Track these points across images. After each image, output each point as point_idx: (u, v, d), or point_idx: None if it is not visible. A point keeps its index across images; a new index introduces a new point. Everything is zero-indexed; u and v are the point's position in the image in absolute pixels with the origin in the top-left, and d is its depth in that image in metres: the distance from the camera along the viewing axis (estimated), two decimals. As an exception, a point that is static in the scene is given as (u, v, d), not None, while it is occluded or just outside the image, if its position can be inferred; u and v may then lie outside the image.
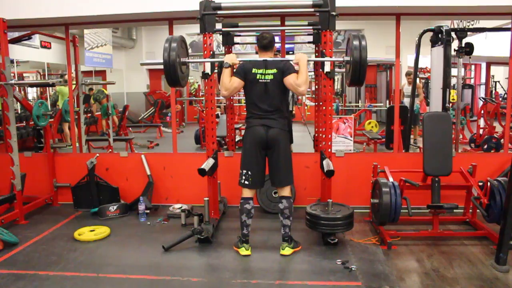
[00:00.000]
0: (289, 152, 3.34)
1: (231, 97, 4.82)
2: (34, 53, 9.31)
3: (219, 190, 4.07)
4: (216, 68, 3.61)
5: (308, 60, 3.23)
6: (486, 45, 9.34)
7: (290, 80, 3.14)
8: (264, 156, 3.25)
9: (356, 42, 3.10)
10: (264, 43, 3.27)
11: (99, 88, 9.67)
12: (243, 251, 3.24)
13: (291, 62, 3.28)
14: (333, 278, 2.85)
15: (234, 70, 3.28)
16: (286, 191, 3.27)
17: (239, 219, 3.28)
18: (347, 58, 3.27)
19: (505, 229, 2.90)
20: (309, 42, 4.79)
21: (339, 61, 3.46)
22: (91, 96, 9.56)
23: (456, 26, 7.83)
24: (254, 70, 3.20)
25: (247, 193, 3.27)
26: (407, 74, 8.17)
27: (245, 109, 3.27)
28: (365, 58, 3.06)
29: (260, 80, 3.19)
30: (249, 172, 3.21)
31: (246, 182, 3.23)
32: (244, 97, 3.34)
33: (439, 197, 3.49)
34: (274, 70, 3.19)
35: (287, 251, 3.22)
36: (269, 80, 3.18)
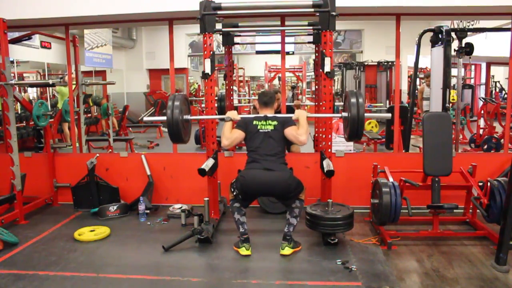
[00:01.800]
0: (294, 181, 3.25)
1: (232, 97, 4.84)
2: (34, 53, 9.32)
3: (219, 190, 4.07)
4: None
5: (308, 116, 3.38)
6: (486, 45, 9.35)
7: (291, 131, 3.32)
8: (258, 196, 3.39)
9: (353, 100, 3.22)
10: (265, 100, 3.48)
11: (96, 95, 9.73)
12: (243, 251, 3.24)
13: (291, 117, 3.43)
14: (333, 278, 2.85)
15: (236, 124, 3.43)
16: (300, 196, 3.32)
17: (233, 220, 3.32)
18: (345, 114, 3.37)
19: (505, 229, 2.90)
20: (309, 42, 4.80)
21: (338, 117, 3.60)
22: (90, 96, 9.58)
23: (456, 26, 7.84)
24: (255, 122, 3.38)
25: (233, 198, 3.36)
26: (426, 76, 8.07)
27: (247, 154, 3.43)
28: (362, 115, 3.18)
29: (260, 130, 3.35)
30: (240, 196, 3.27)
31: (234, 196, 3.30)
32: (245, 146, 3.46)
33: (439, 197, 3.49)
34: (275, 122, 3.37)
35: (287, 251, 3.22)
36: (269, 130, 3.34)
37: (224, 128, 3.41)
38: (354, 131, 3.24)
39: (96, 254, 3.37)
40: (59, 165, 4.70)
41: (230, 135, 3.38)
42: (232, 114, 3.47)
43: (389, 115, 3.77)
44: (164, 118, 3.33)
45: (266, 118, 3.38)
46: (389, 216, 3.36)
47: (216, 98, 4.95)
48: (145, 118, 3.94)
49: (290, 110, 5.01)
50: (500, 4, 3.90)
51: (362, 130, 3.27)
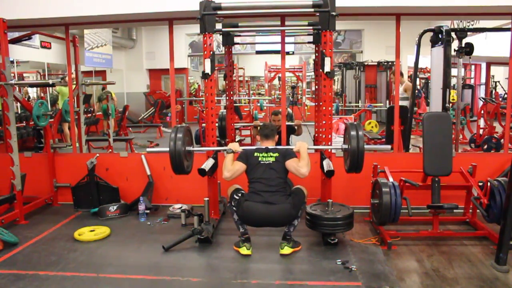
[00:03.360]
0: (294, 210, 3.24)
1: (231, 98, 4.84)
2: (34, 53, 9.31)
3: (219, 190, 4.08)
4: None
5: (309, 148, 3.41)
6: (486, 45, 9.34)
7: (292, 163, 3.31)
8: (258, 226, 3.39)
9: (353, 132, 3.25)
10: (266, 133, 3.52)
11: (107, 90, 9.72)
12: (243, 250, 3.25)
13: (292, 149, 3.45)
14: (333, 278, 2.85)
15: (237, 156, 3.44)
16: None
17: (232, 220, 3.36)
18: (345, 146, 3.40)
19: (505, 229, 2.90)
20: (309, 42, 4.79)
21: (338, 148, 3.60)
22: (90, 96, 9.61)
23: (456, 26, 7.83)
24: (256, 154, 3.40)
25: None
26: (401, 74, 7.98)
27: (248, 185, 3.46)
28: (362, 147, 3.21)
29: (261, 162, 3.35)
30: (238, 219, 3.32)
31: (234, 210, 3.33)
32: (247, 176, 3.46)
33: (439, 197, 3.49)
34: (276, 154, 3.38)
35: (287, 250, 3.23)
36: (271, 162, 3.35)
37: (226, 160, 3.39)
38: (355, 163, 3.26)
39: (96, 254, 3.37)
40: (59, 165, 4.70)
41: (231, 167, 3.35)
42: (233, 146, 3.48)
43: (389, 147, 3.82)
44: (167, 149, 3.36)
45: (267, 150, 3.40)
46: (389, 216, 3.36)
47: (217, 118, 4.98)
48: (148, 149, 3.86)
49: (290, 129, 5.03)
50: (500, 4, 3.90)
51: (362, 163, 3.25)
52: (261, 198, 3.22)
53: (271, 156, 3.36)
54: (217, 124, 3.98)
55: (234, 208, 3.32)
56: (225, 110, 5.32)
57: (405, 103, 7.21)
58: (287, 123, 4.68)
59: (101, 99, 9.04)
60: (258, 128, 3.68)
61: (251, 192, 3.31)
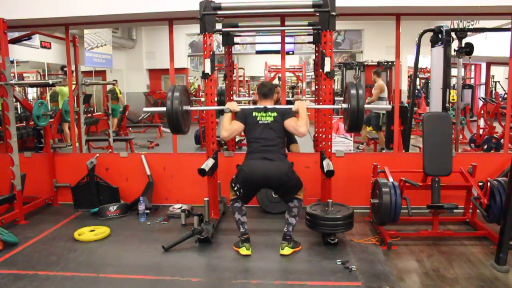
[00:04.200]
0: (293, 175, 3.27)
1: (231, 98, 4.84)
2: (34, 53, 9.31)
3: (219, 190, 4.07)
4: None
5: (308, 107, 3.40)
6: (486, 45, 9.34)
7: (291, 122, 3.31)
8: (259, 188, 3.39)
9: (353, 91, 3.26)
10: (264, 91, 3.46)
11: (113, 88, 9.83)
12: (243, 251, 3.24)
13: (291, 108, 3.42)
14: (333, 278, 2.85)
15: (235, 116, 3.42)
16: (299, 195, 3.32)
17: (234, 219, 3.33)
18: (345, 106, 3.39)
19: (505, 229, 2.90)
20: (309, 42, 4.80)
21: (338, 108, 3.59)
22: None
23: (456, 26, 7.83)
24: (254, 114, 3.37)
25: (234, 197, 3.35)
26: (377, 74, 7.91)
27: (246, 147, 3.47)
28: (362, 106, 3.22)
29: (260, 122, 3.34)
30: (241, 190, 3.27)
31: (236, 194, 3.30)
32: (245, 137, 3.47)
33: (439, 197, 3.49)
34: (275, 113, 3.35)
35: (287, 250, 3.22)
36: (269, 122, 3.33)
37: (224, 120, 3.39)
38: (354, 122, 3.28)
39: (96, 254, 3.37)
40: (59, 165, 4.70)
41: (229, 127, 3.37)
42: (231, 105, 3.46)
43: (390, 107, 3.79)
44: (164, 109, 3.31)
45: (266, 110, 3.37)
46: (389, 216, 3.36)
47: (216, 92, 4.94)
48: (145, 109, 3.92)
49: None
50: (500, 4, 3.90)
51: (362, 121, 3.28)
52: (260, 155, 3.23)
53: (269, 116, 3.33)
54: (216, 99, 3.96)
55: (234, 182, 3.29)
56: (224, 85, 5.29)
57: (382, 103, 7.25)
58: (287, 99, 4.65)
59: (115, 97, 9.11)
60: (257, 87, 3.67)
61: (249, 152, 3.31)
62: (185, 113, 3.46)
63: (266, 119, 3.33)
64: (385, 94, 7.43)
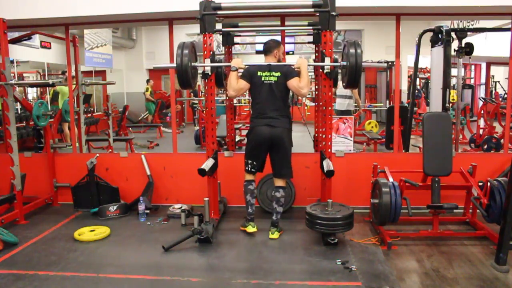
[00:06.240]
0: (290, 149, 3.60)
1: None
2: (34, 53, 9.31)
3: (219, 190, 4.08)
4: (225, 72, 4.01)
5: (308, 65, 3.55)
6: (486, 45, 9.34)
7: (293, 83, 3.46)
8: (266, 151, 3.58)
9: (352, 50, 3.37)
10: (264, 48, 3.67)
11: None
12: (250, 228, 3.58)
13: (292, 66, 3.53)
14: (333, 278, 2.85)
15: (240, 74, 3.57)
16: (283, 182, 3.60)
17: (244, 199, 3.64)
18: (344, 63, 3.47)
19: (505, 229, 2.90)
20: (309, 42, 4.80)
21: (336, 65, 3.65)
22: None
23: (456, 26, 7.83)
24: (259, 73, 3.51)
25: (249, 176, 3.64)
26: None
27: (250, 108, 3.59)
28: (360, 64, 3.35)
29: (265, 82, 3.49)
30: (254, 163, 3.58)
31: (251, 169, 3.61)
32: (250, 98, 3.66)
33: (439, 197, 3.49)
34: (278, 73, 3.49)
35: (276, 235, 3.55)
36: (273, 82, 3.49)
37: (231, 79, 3.53)
38: (352, 79, 3.42)
39: (96, 254, 3.37)
40: (59, 165, 4.70)
41: (236, 86, 3.52)
42: (237, 62, 3.58)
43: (385, 65, 3.90)
44: (173, 65, 3.47)
45: (270, 69, 3.49)
46: (389, 216, 3.36)
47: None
48: (154, 66, 3.94)
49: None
50: (500, 4, 3.90)
51: (359, 79, 3.44)
52: (265, 122, 3.46)
53: (273, 76, 3.48)
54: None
55: (247, 150, 3.58)
56: (222, 57, 5.25)
57: (347, 101, 7.26)
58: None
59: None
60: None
61: (255, 118, 3.53)
62: (194, 69, 3.59)
63: (270, 79, 3.48)
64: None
